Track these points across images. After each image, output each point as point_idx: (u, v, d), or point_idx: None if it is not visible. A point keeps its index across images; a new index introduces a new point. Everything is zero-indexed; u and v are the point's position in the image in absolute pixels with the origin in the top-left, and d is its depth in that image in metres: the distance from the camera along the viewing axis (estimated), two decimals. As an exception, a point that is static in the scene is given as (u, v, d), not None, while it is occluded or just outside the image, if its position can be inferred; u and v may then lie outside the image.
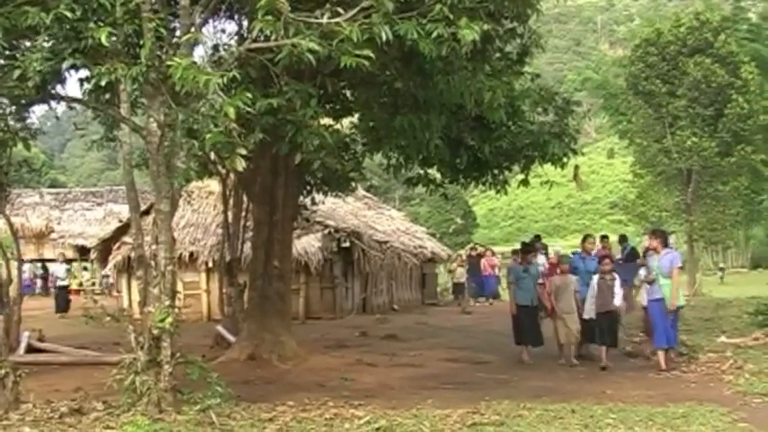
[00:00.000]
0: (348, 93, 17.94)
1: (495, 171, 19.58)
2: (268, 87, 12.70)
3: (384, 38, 10.69)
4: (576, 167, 19.78)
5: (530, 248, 20.12)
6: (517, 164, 19.27)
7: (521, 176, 19.47)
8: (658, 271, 16.57)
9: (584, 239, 19.96)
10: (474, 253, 38.20)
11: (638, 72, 63.57)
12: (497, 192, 20.26)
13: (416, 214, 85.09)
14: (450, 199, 27.42)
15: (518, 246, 20.83)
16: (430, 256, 37.85)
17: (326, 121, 16.68)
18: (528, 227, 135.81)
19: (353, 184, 22.35)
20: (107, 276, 42.43)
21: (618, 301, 17.47)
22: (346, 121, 19.59)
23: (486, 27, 11.75)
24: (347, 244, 30.53)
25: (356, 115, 19.11)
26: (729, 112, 60.63)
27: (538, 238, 26.71)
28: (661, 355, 16.51)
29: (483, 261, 36.77)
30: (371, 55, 10.69)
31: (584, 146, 19.47)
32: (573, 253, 20.44)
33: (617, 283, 17.48)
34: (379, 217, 37.14)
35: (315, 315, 29.01)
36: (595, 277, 17.51)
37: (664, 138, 62.90)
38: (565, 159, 18.48)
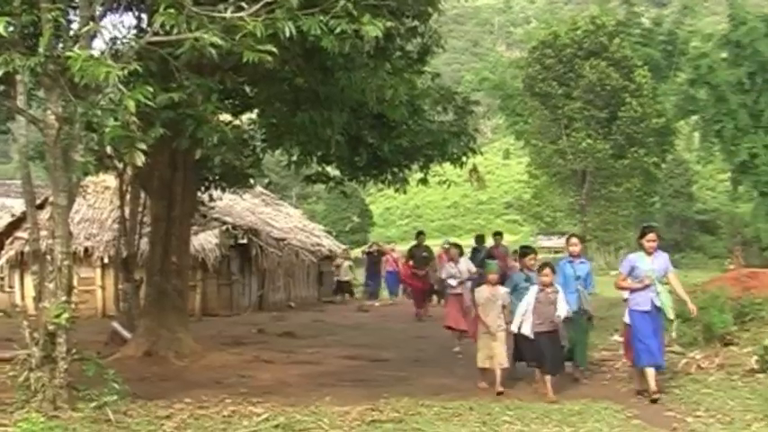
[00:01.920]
0: (248, 89, 17.84)
1: (395, 169, 19.62)
2: (169, 81, 12.55)
3: (287, 33, 10.63)
4: (475, 166, 19.94)
5: (528, 251, 16.53)
6: (416, 162, 19.35)
7: (420, 175, 19.56)
8: (653, 276, 13.65)
9: (567, 240, 16.80)
10: (375, 250, 38.21)
11: (534, 74, 64.41)
12: (397, 190, 20.31)
13: (313, 212, 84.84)
14: (347, 197, 27.46)
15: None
16: (327, 253, 37.87)
17: (226, 117, 16.59)
18: (424, 226, 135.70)
19: (252, 180, 22.25)
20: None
21: (562, 315, 14.22)
22: (245, 117, 19.50)
23: (389, 24, 11.76)
24: (244, 241, 30.41)
25: (255, 111, 19.03)
26: (623, 114, 61.79)
27: (480, 238, 27.30)
28: (650, 374, 13.46)
29: (385, 257, 36.96)
30: (274, 50, 10.63)
31: (480, 146, 19.49)
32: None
33: (561, 296, 14.31)
34: (276, 214, 37.03)
35: (212, 312, 28.78)
36: (533, 289, 14.30)
37: (559, 139, 63.84)
38: (464, 159, 18.63)
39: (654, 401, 12.99)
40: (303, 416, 11.33)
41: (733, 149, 66.47)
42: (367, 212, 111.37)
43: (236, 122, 17.66)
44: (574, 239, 16.23)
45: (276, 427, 10.73)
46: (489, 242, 28.15)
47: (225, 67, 14.07)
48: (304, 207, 71.36)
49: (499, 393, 13.80)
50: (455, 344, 18.91)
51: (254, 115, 19.33)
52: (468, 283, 18.89)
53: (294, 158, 19.06)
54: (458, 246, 20.76)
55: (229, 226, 30.01)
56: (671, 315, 13.96)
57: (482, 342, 14.69)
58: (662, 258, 13.97)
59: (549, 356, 14.02)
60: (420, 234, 29.42)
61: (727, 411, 12.26)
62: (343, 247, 41.44)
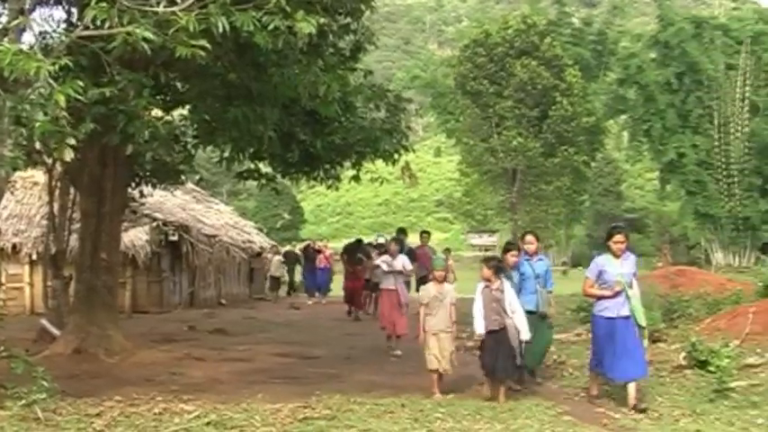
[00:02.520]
0: (180, 84, 17.72)
1: (327, 166, 19.63)
2: (100, 76, 12.43)
3: (220, 29, 10.58)
4: (407, 164, 19.98)
5: (511, 247, 15.09)
6: (349, 159, 19.33)
7: (352, 172, 19.55)
8: (623, 280, 12.67)
9: (522, 237, 15.80)
10: (313, 247, 37.51)
11: (466, 72, 64.70)
12: (329, 187, 20.31)
13: (244, 209, 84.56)
14: (279, 194, 27.29)
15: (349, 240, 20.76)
16: (258, 250, 37.78)
17: (157, 112, 16.46)
18: (356, 223, 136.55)
19: (183, 176, 22.10)
20: None
21: (517, 315, 13.14)
22: (177, 113, 19.37)
23: (322, 21, 11.77)
24: (175, 237, 30.22)
25: (187, 107, 18.90)
26: (554, 113, 62.31)
27: (402, 231, 25.15)
28: (631, 386, 12.51)
29: (320, 255, 36.32)
30: (207, 46, 10.57)
31: (412, 144, 19.47)
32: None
33: (508, 294, 13.18)
34: (207, 211, 36.88)
35: (142, 309, 28.58)
36: (478, 287, 13.30)
37: (490, 137, 64.20)
38: (396, 156, 18.66)
39: (642, 411, 12.07)
40: (235, 413, 11.26)
41: (661, 149, 67.34)
42: (298, 210, 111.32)
43: (168, 118, 17.49)
44: (529, 237, 15.23)
45: (207, 424, 10.65)
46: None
47: (157, 62, 13.92)
48: (235, 204, 71.21)
49: (432, 394, 13.34)
50: (389, 343, 18.82)
51: (185, 111, 19.19)
52: (402, 280, 18.88)
53: (226, 155, 18.94)
54: (400, 241, 20.68)
55: (160, 222, 29.81)
56: (642, 321, 12.73)
57: (429, 342, 13.82)
58: (630, 261, 13.04)
59: (493, 358, 12.89)
60: (359, 241, 29.48)
61: (655, 407, 12.41)
62: (272, 243, 41.26)
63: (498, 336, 12.99)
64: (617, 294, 12.62)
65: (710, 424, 11.34)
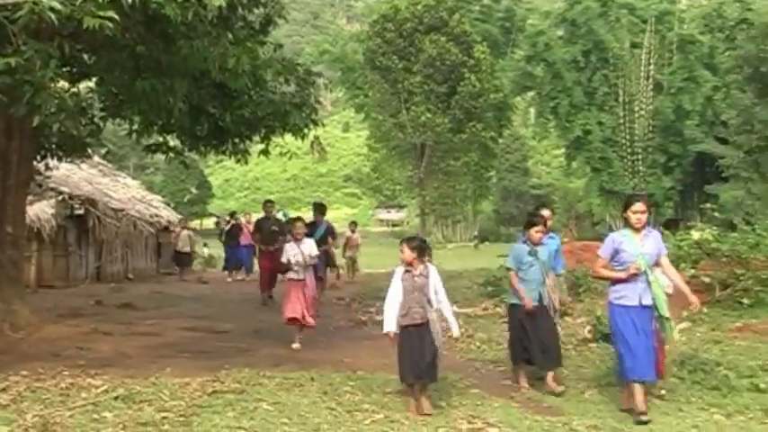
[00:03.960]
0: (88, 56, 17.47)
1: (236, 140, 19.48)
2: (5, 46, 12.22)
3: (129, 0, 10.48)
4: (317, 138, 19.94)
5: (535, 220, 13.25)
6: (258, 133, 19.23)
7: (261, 146, 19.47)
8: (643, 261, 10.72)
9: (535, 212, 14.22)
10: (235, 222, 34.72)
11: (375, 47, 64.85)
12: (238, 161, 20.18)
13: (152, 183, 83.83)
14: (187, 167, 26.94)
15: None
16: (166, 224, 37.47)
17: (64, 84, 16.21)
18: (264, 198, 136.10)
19: (90, 150, 21.79)
20: None
21: (444, 306, 11.46)
22: (84, 85, 19.10)
23: (232, -7, 11.72)
24: (81, 211, 29.86)
25: (95, 79, 18.65)
26: (462, 89, 62.75)
27: (321, 207, 22.15)
28: (638, 390, 10.76)
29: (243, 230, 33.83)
30: (115, 17, 10.47)
31: (321, 118, 19.35)
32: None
33: (433, 281, 11.29)
34: (114, 185, 36.39)
35: (47, 283, 28.13)
36: (398, 271, 11.40)
37: (399, 113, 64.45)
38: (306, 130, 18.60)
39: (642, 423, 10.45)
40: (143, 387, 11.18)
41: (567, 126, 68.42)
42: (206, 184, 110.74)
43: (75, 90, 17.26)
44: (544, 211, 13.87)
45: (116, 398, 10.56)
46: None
47: (64, 33, 13.71)
48: (142, 178, 70.42)
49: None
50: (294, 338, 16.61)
51: (93, 83, 18.93)
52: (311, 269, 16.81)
53: (135, 127, 18.76)
54: (300, 219, 19.17)
55: (66, 196, 29.39)
56: (665, 312, 10.76)
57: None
58: (653, 238, 10.99)
59: (415, 359, 11.05)
60: (268, 203, 25.36)
61: (562, 380, 12.63)
62: (180, 216, 40.62)
63: (420, 331, 11.06)
64: (633, 277, 10.70)
65: (615, 396, 11.57)
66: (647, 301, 10.66)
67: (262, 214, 25.08)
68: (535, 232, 12.82)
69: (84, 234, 30.60)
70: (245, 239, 32.68)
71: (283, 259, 16.14)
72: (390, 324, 11.07)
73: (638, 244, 10.75)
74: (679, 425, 10.47)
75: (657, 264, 10.86)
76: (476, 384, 12.47)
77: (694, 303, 10.93)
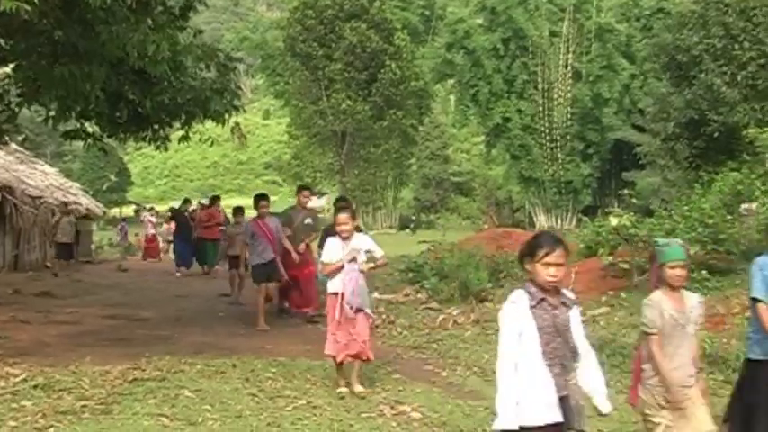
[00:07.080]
0: (3, 41, 17.21)
1: (156, 126, 19.31)
2: None
3: (47, -17, 10.37)
4: (237, 125, 19.84)
5: None
6: (178, 120, 19.08)
7: (181, 133, 19.34)
8: None
9: None
10: (189, 210, 32.87)
11: (295, 34, 64.80)
12: (158, 148, 20.01)
13: (70, 171, 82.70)
14: (106, 154, 26.64)
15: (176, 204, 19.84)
16: (85, 212, 37.11)
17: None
18: (184, 186, 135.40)
19: (6, 137, 21.49)
20: None
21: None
22: (0, 71, 18.84)
23: (151, -21, 11.63)
24: (-2, 199, 29.48)
25: (11, 65, 18.38)
26: (383, 77, 62.96)
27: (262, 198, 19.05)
28: None
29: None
30: (33, 0, 10.33)
31: (242, 105, 19.21)
32: None
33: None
34: (32, 172, 35.93)
35: (-37, 272, 27.83)
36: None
37: (319, 100, 64.50)
38: (226, 116, 18.50)
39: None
40: (63, 375, 11.10)
41: (487, 113, 68.81)
42: (125, 171, 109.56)
43: (-10, 76, 17.04)
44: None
45: (35, 387, 10.46)
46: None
47: (-21, 18, 13.56)
48: (60, 166, 69.48)
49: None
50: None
51: (9, 69, 18.66)
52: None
53: (52, 113, 18.51)
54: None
55: (-18, 184, 29.00)
56: None
57: None
58: None
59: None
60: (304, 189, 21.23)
61: (482, 365, 12.75)
62: (63, 200, 38.41)
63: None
64: None
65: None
66: None
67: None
68: None
69: (1, 222, 30.18)
70: (208, 233, 28.97)
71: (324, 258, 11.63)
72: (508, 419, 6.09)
73: None
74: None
75: None
76: (397, 370, 12.53)
77: None
